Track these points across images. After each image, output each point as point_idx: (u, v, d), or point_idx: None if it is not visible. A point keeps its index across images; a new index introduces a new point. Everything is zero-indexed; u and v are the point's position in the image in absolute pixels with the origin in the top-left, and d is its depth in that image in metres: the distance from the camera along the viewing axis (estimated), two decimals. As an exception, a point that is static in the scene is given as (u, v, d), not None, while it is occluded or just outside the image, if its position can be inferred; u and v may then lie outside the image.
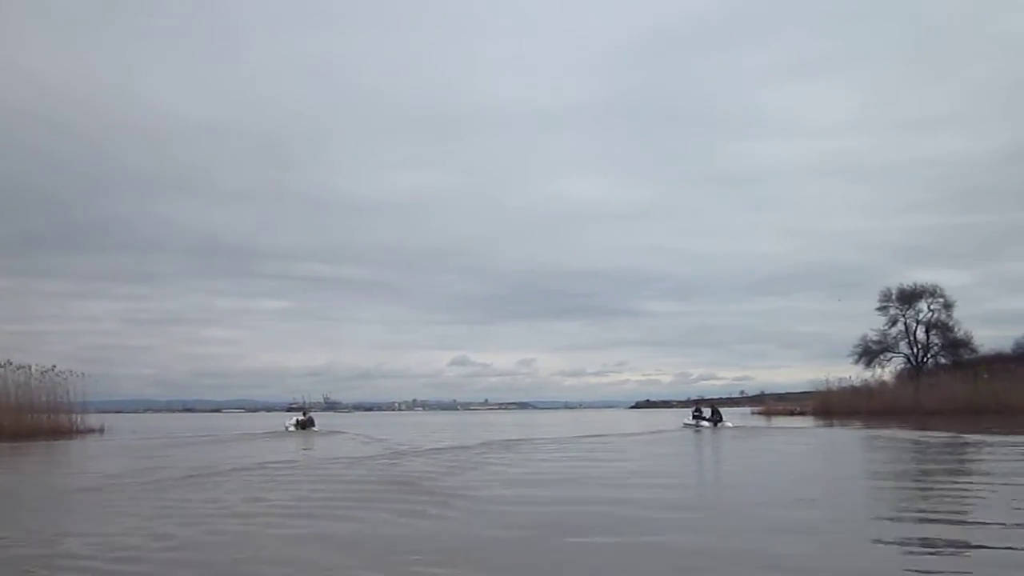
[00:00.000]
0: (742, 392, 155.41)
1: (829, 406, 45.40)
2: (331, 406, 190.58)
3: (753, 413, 55.26)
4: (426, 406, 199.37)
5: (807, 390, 69.18)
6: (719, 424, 32.32)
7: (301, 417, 35.59)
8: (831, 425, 33.30)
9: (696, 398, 50.31)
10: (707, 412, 33.97)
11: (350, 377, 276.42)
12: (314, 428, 34.47)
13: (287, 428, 34.09)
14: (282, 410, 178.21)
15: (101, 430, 32.12)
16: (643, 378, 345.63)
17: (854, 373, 48.36)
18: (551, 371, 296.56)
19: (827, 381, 47.50)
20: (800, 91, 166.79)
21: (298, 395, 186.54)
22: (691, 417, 34.52)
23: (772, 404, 55.09)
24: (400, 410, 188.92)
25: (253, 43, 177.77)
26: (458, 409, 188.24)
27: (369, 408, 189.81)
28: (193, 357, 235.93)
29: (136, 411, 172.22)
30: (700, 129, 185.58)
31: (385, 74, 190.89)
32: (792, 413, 48.13)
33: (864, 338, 49.99)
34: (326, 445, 22.87)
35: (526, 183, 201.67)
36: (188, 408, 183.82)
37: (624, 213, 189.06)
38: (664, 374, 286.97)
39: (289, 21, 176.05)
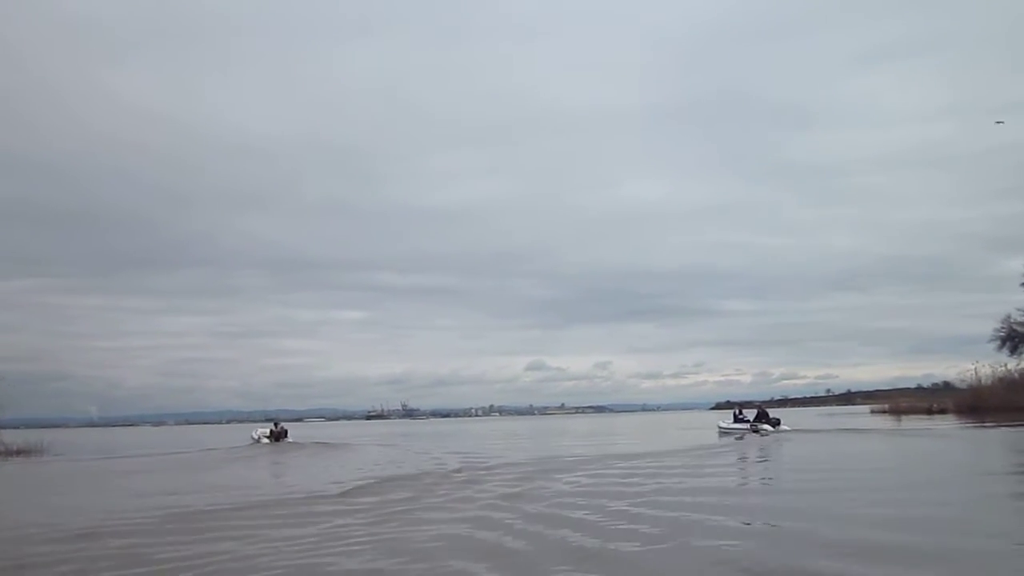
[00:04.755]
0: (828, 391, 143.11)
1: (980, 402, 36.56)
2: (409, 413, 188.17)
3: (873, 412, 47.16)
4: (502, 411, 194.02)
5: (896, 387, 60.29)
6: (777, 428, 27.01)
7: (273, 428, 31.61)
8: (986, 425, 27.12)
9: (780, 397, 42.64)
10: (751, 415, 28.83)
11: (427, 384, 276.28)
12: (288, 440, 30.51)
13: (256, 440, 29.19)
14: (361, 418, 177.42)
15: (39, 451, 26.64)
16: (722, 378, 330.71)
17: (958, 364, 39.65)
18: (627, 373, 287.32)
19: (975, 373, 39.33)
20: (877, 80, 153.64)
21: (377, 403, 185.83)
22: (733, 420, 29.36)
23: (899, 401, 46.45)
24: (477, 416, 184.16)
25: (322, 62, 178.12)
26: (534, 414, 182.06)
27: (446, 414, 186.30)
28: (275, 368, 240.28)
29: (219, 422, 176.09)
30: (770, 123, 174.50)
31: (451, 84, 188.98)
32: (929, 412, 39.43)
33: (1007, 319, 43.11)
34: (317, 474, 16.18)
35: (593, 185, 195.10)
36: (270, 418, 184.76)
37: (694, 211, 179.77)
38: (743, 374, 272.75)
39: (358, 40, 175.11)
